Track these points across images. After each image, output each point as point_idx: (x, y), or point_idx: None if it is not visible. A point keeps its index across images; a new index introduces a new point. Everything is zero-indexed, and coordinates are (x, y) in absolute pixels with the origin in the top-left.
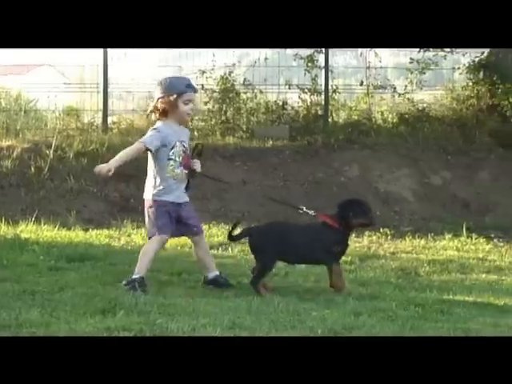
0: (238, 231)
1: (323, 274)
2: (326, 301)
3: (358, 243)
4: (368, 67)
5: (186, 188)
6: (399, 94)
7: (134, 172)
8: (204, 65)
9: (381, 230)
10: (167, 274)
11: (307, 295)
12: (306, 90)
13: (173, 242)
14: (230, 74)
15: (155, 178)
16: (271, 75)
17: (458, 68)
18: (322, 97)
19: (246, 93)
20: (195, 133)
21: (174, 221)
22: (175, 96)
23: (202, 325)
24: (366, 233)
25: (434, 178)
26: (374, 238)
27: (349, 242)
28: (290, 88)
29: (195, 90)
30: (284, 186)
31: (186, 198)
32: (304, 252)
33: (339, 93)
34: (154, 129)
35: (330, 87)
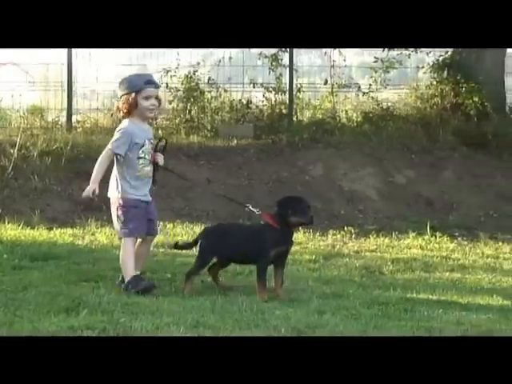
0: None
1: (287, 273)
2: (290, 300)
3: (323, 241)
4: (332, 66)
5: (153, 182)
6: (363, 93)
7: None
8: (168, 63)
9: (345, 229)
10: None
11: (271, 294)
12: (271, 89)
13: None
14: (194, 73)
15: (124, 177)
16: (236, 74)
17: (423, 67)
18: (287, 96)
19: (210, 92)
20: (159, 131)
21: (145, 220)
22: (134, 94)
23: (165, 323)
24: (330, 231)
25: (398, 177)
26: (339, 236)
27: (292, 240)
28: (254, 87)
29: (156, 86)
30: (248, 185)
31: (150, 197)
32: (242, 252)
33: (304, 92)
34: (120, 130)
35: (294, 86)
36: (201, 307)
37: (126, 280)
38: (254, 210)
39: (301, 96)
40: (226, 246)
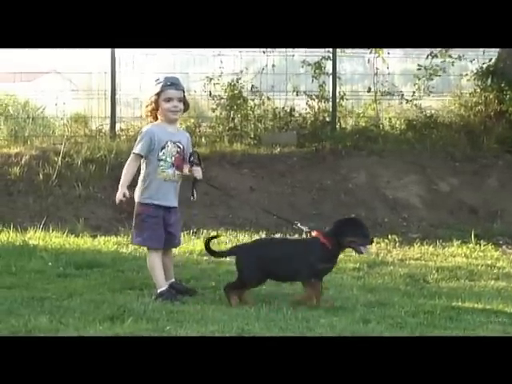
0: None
1: (332, 281)
2: (335, 308)
3: None
4: (375, 73)
5: (192, 194)
6: (407, 101)
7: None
8: (212, 71)
9: (389, 237)
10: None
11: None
12: (314, 97)
13: (181, 249)
14: (237, 81)
15: (145, 180)
16: (279, 82)
17: (466, 74)
18: (330, 103)
19: (253, 99)
20: (203, 139)
21: (163, 228)
22: (155, 96)
23: (210, 331)
24: (374, 239)
25: (442, 185)
26: (383, 244)
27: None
28: (297, 95)
29: (177, 87)
30: (292, 193)
31: (175, 203)
32: (287, 267)
33: (347, 99)
34: (141, 132)
35: (337, 94)
36: (246, 315)
37: (158, 290)
38: (303, 228)
39: (344, 104)
40: (270, 262)
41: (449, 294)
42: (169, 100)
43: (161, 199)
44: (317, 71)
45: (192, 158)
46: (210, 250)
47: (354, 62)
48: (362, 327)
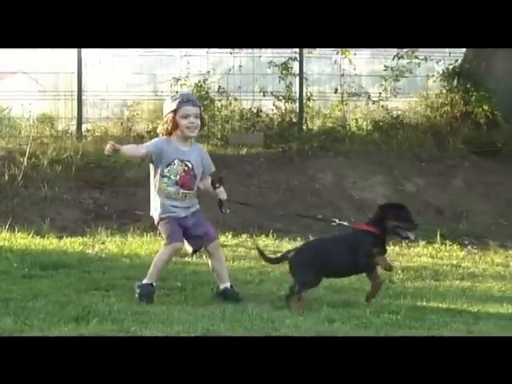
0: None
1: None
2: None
3: None
4: (342, 75)
5: (222, 211)
6: (373, 102)
7: (106, 179)
8: (178, 72)
9: None
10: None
11: (281, 303)
12: (281, 98)
13: (147, 250)
14: (204, 82)
15: (153, 195)
16: (246, 83)
17: (432, 75)
18: (297, 104)
19: (220, 100)
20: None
21: (181, 228)
22: (172, 114)
23: (175, 332)
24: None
25: (408, 185)
26: None
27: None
28: (264, 95)
29: (194, 104)
30: (259, 194)
31: (190, 211)
32: (343, 262)
33: (313, 100)
34: (156, 140)
35: (304, 94)
36: (211, 316)
37: (144, 280)
38: (345, 223)
39: (311, 105)
40: (324, 261)
41: (414, 294)
42: (186, 117)
43: (172, 212)
44: (284, 72)
45: (215, 181)
46: (264, 256)
47: (321, 63)
48: (327, 327)
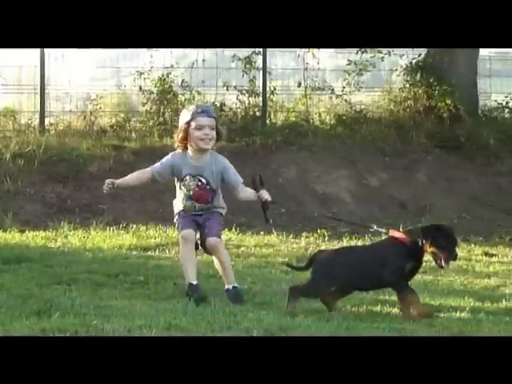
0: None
1: (259, 276)
2: (263, 302)
3: (296, 244)
4: (306, 69)
5: (266, 220)
6: (337, 96)
7: (69, 173)
8: (142, 66)
9: (318, 231)
10: (104, 276)
11: (244, 296)
12: (244, 92)
13: (110, 244)
14: (167, 76)
15: (175, 204)
16: (209, 77)
17: (396, 70)
18: (260, 98)
19: (183, 94)
20: (133, 134)
21: (195, 222)
22: (186, 125)
23: (137, 326)
24: (304, 234)
25: (372, 180)
26: (312, 239)
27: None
28: (228, 89)
29: (209, 115)
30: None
31: (209, 211)
32: (367, 274)
33: (277, 94)
34: (170, 155)
35: (267, 89)
36: (173, 310)
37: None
38: (381, 230)
39: (274, 99)
40: (349, 274)
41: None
42: (200, 128)
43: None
44: (247, 66)
45: (255, 183)
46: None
47: (285, 57)
48: (289, 321)
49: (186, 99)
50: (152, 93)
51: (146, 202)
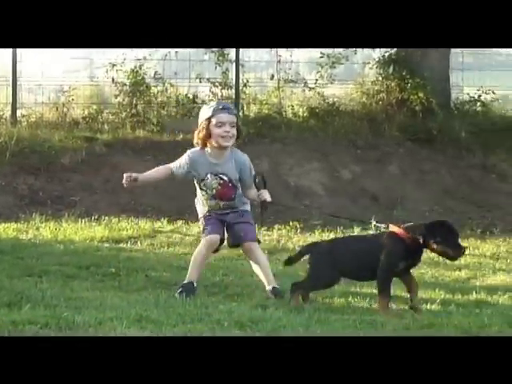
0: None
1: (231, 268)
2: (234, 294)
3: (268, 236)
4: (279, 61)
5: (261, 223)
6: (310, 88)
7: (41, 165)
8: (115, 58)
9: (290, 224)
10: (75, 268)
11: (215, 289)
12: (217, 84)
13: (81, 236)
14: (140, 68)
15: (197, 203)
16: (182, 69)
17: (369, 63)
18: (233, 91)
19: (156, 86)
20: (105, 126)
21: (222, 223)
22: (206, 122)
23: (108, 318)
24: (276, 226)
25: (344, 172)
26: (284, 231)
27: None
28: (200, 82)
29: (230, 112)
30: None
31: (233, 209)
32: (364, 265)
33: (250, 87)
34: (188, 153)
35: (240, 81)
36: (144, 302)
37: (185, 280)
38: (381, 225)
39: (247, 91)
40: (350, 263)
41: (346, 280)
42: (220, 125)
43: (215, 211)
44: (220, 58)
45: (258, 182)
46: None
47: (258, 50)
48: (260, 313)
49: (158, 91)
50: (125, 85)
51: (118, 194)
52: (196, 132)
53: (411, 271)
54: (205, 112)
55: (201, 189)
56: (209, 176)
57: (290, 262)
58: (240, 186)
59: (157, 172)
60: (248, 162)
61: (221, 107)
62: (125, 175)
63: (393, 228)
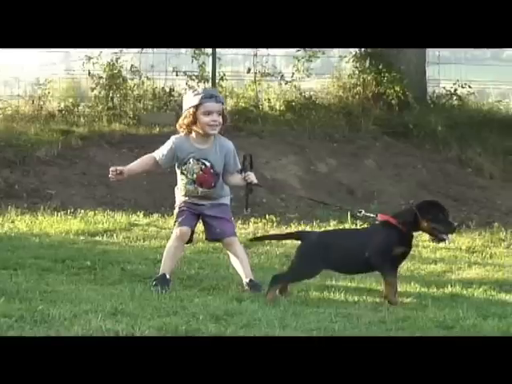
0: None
1: (207, 261)
2: (210, 287)
3: (244, 229)
4: (255, 55)
5: (246, 207)
6: (286, 82)
7: (17, 158)
8: (91, 50)
9: (267, 217)
10: (50, 261)
11: (191, 282)
12: (194, 77)
13: (57, 229)
14: (116, 61)
15: (176, 192)
16: (158, 62)
17: (345, 56)
18: (210, 84)
19: (132, 79)
20: (82, 119)
21: (195, 216)
22: (193, 109)
23: (83, 311)
24: (252, 219)
25: (320, 166)
26: (260, 224)
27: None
28: (177, 75)
29: (218, 100)
30: (171, 173)
31: (212, 202)
32: (356, 258)
33: (226, 80)
34: (172, 139)
35: (217, 74)
36: (120, 295)
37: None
38: (370, 215)
39: (224, 84)
40: (337, 257)
41: (323, 273)
42: (208, 114)
43: (190, 199)
44: (197, 52)
45: (245, 164)
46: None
47: None
48: (235, 306)
49: (135, 84)
50: (101, 78)
51: (94, 187)
52: (181, 118)
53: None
54: (192, 99)
55: (181, 173)
56: (191, 160)
57: (257, 239)
58: (222, 175)
59: (141, 162)
60: (232, 149)
61: (209, 95)
62: (111, 169)
63: (383, 217)
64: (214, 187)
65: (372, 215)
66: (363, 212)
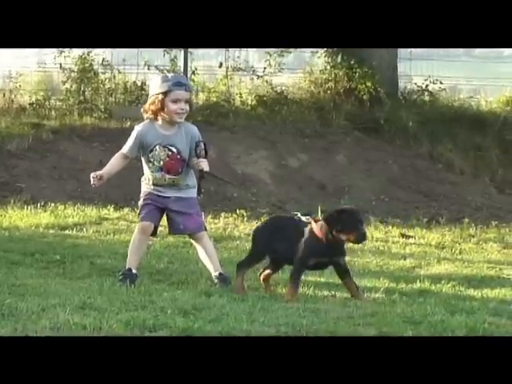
0: None
1: (177, 255)
2: (179, 281)
3: (214, 224)
4: (227, 49)
5: (198, 192)
6: (258, 77)
7: None
8: None
9: (237, 212)
10: (20, 254)
11: (160, 276)
12: (166, 71)
13: (27, 223)
14: (88, 54)
15: (143, 181)
16: (130, 56)
17: (317, 52)
18: None
19: (104, 73)
20: (53, 112)
21: (160, 210)
22: (162, 95)
23: (52, 305)
24: (223, 214)
25: (291, 161)
26: (231, 219)
27: (343, 251)
28: (149, 69)
29: (187, 88)
30: (141, 167)
31: (179, 194)
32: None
33: (198, 74)
34: (136, 128)
35: (189, 68)
36: (88, 289)
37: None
38: (304, 218)
39: (196, 79)
40: (281, 243)
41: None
42: (176, 101)
43: (156, 191)
44: None
45: (198, 150)
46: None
47: None
48: (204, 300)
49: (106, 78)
50: (73, 71)
51: (64, 180)
52: (148, 103)
53: (349, 275)
54: (161, 85)
55: (148, 161)
56: (157, 147)
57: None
58: (187, 160)
59: (115, 162)
60: (198, 133)
61: (178, 83)
62: (91, 176)
63: (312, 224)
64: (180, 173)
65: (306, 219)
66: (298, 215)
